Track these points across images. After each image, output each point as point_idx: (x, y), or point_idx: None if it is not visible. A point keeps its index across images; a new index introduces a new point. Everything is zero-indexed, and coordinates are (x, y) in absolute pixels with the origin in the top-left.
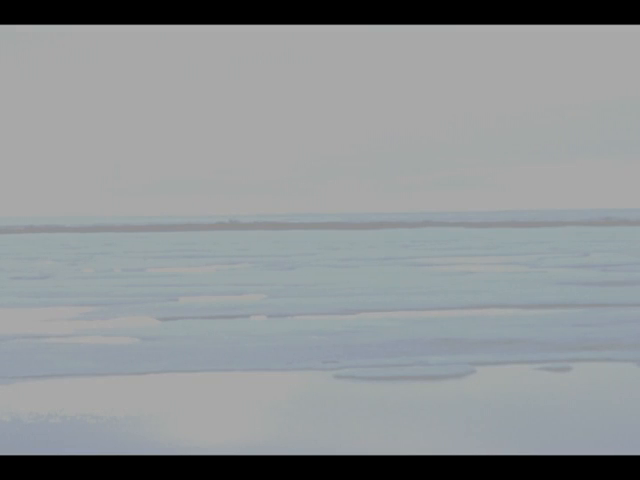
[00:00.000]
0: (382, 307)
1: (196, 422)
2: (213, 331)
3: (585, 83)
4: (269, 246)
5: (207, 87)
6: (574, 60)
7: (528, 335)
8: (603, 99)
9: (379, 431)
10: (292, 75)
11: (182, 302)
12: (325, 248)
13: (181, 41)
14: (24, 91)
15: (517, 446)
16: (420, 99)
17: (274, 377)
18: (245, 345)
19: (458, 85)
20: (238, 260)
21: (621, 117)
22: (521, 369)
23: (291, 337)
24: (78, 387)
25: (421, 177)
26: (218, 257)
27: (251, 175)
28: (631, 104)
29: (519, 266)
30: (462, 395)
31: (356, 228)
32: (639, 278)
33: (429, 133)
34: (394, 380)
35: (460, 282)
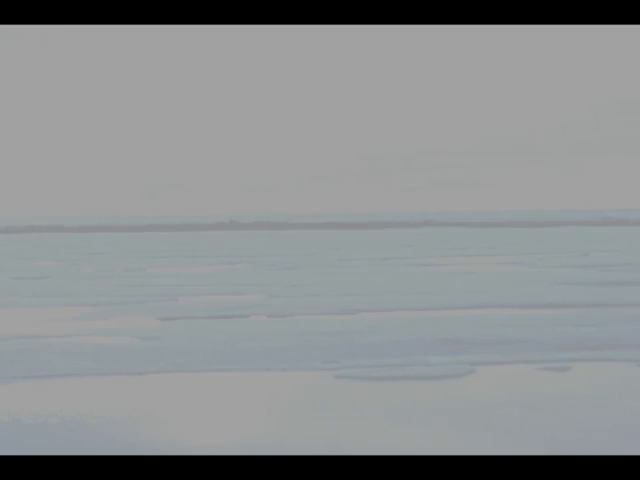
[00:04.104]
0: (382, 307)
1: (196, 422)
2: (213, 331)
3: (585, 83)
4: (269, 246)
5: (207, 87)
6: (574, 60)
7: (528, 335)
8: (603, 99)
9: (379, 431)
10: (292, 75)
11: (182, 302)
12: (325, 248)
13: (181, 41)
14: (24, 91)
15: (517, 446)
16: (420, 99)
17: (274, 377)
18: (245, 345)
19: (458, 85)
20: (238, 260)
21: (621, 117)
22: (521, 369)
23: (291, 337)
24: (78, 387)
25: (421, 177)
26: (218, 257)
27: (251, 175)
28: (631, 104)
29: (519, 266)
30: (462, 395)
31: (356, 228)
32: (639, 278)
33: (429, 133)
34: (394, 380)
35: (460, 282)
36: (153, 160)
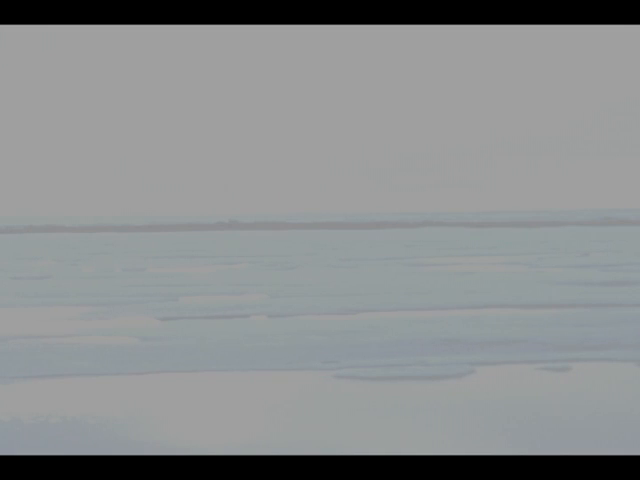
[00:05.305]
0: (382, 307)
1: (196, 422)
2: (213, 331)
3: (585, 83)
4: (269, 246)
5: (208, 87)
6: (574, 60)
7: (528, 335)
8: (603, 99)
9: (379, 431)
10: (293, 75)
11: (182, 302)
12: (325, 248)
13: (181, 41)
14: (24, 91)
15: (517, 446)
16: (421, 99)
17: (274, 377)
18: (245, 345)
19: (459, 85)
20: (238, 260)
21: (621, 117)
22: (521, 369)
23: (291, 337)
24: (78, 387)
25: (421, 177)
26: (218, 257)
27: (251, 175)
28: (631, 104)
29: (519, 266)
30: (462, 395)
31: (356, 228)
32: (639, 278)
33: (429, 133)
34: (394, 380)
35: (460, 282)
36: (153, 160)
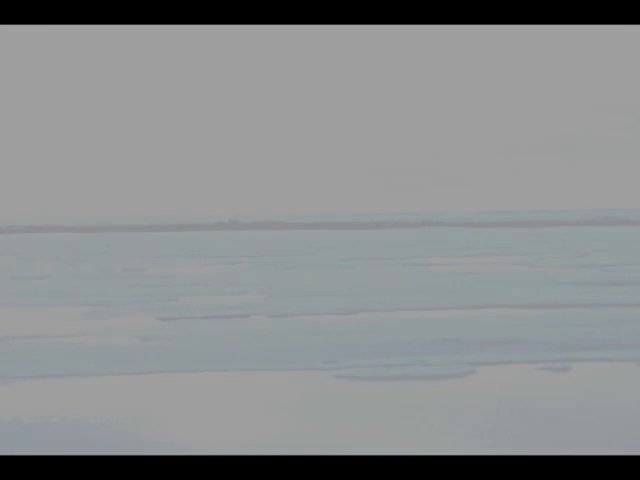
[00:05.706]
0: (382, 307)
1: (196, 422)
2: (213, 331)
3: (585, 83)
4: (269, 246)
5: (208, 87)
6: (575, 60)
7: (528, 335)
8: (603, 99)
9: (379, 431)
10: (293, 75)
11: (182, 302)
12: (324, 248)
13: (181, 42)
14: (24, 91)
15: (517, 446)
16: (421, 99)
17: (274, 377)
18: (245, 345)
19: (459, 85)
20: (238, 260)
21: (621, 117)
22: (521, 369)
23: (291, 337)
24: (78, 387)
25: (421, 177)
26: (218, 257)
27: (251, 175)
28: (632, 105)
29: (519, 266)
30: (462, 395)
31: (356, 228)
32: (639, 278)
33: (430, 133)
34: (394, 380)
35: (460, 282)
36: (153, 160)
